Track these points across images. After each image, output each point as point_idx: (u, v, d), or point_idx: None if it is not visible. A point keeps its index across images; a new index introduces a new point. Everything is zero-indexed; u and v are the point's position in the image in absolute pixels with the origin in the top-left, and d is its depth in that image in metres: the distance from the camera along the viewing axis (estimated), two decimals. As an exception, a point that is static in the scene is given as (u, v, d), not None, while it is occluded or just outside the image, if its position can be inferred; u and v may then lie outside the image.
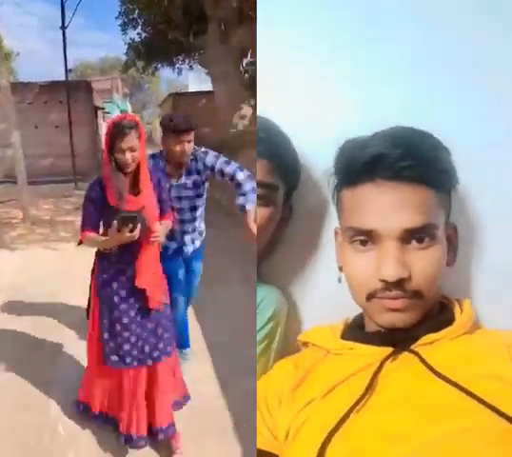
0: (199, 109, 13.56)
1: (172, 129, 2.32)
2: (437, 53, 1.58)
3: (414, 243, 1.29)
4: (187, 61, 12.79)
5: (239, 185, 2.39)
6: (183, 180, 2.45)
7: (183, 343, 2.76)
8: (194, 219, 2.56)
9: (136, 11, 10.94)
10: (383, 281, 1.27)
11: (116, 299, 2.02)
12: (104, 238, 1.92)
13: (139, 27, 11.34)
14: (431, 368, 1.22)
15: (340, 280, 1.41)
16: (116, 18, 11.64)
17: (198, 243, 2.66)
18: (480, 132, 1.55)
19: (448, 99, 1.56)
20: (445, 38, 1.58)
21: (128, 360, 2.02)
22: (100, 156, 15.74)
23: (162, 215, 2.09)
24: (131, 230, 1.80)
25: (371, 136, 1.36)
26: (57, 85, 12.66)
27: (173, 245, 2.55)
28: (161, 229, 1.97)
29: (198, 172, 2.45)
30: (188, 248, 2.60)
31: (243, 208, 2.29)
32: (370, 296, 1.32)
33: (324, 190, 1.54)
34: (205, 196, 2.57)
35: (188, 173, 2.46)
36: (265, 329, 1.51)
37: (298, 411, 1.29)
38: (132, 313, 2.02)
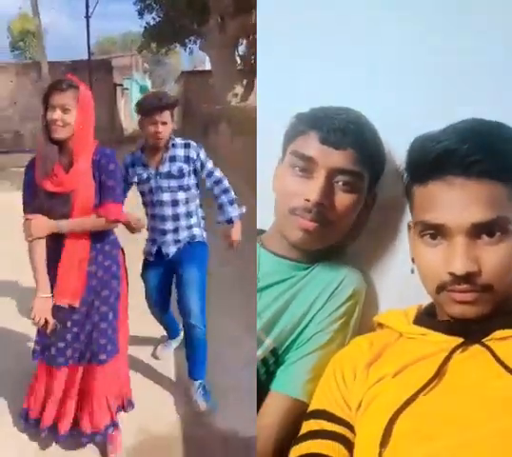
0: (208, 86, 15.36)
1: (143, 109, 2.22)
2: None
3: (485, 237, 1.31)
4: (197, 42, 14.63)
5: (226, 191, 2.34)
6: (166, 167, 2.27)
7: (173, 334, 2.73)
8: (176, 217, 2.33)
9: (151, -2, 12.80)
10: (451, 274, 1.31)
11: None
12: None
13: (154, 12, 13.22)
14: (502, 363, 1.25)
15: (413, 271, 1.48)
16: (134, 4, 13.55)
17: (182, 245, 2.37)
18: None
19: None
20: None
21: (59, 358, 1.89)
22: (118, 129, 17.79)
23: (100, 204, 1.83)
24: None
25: (441, 131, 1.39)
26: (80, 64, 14.47)
27: (153, 248, 2.39)
28: (38, 226, 1.75)
29: (187, 160, 2.29)
30: (169, 250, 2.35)
31: (231, 219, 2.32)
32: (440, 288, 1.36)
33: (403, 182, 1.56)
34: (193, 192, 2.36)
35: (172, 160, 2.28)
36: (344, 307, 1.61)
37: (370, 387, 1.37)
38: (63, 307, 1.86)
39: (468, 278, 1.30)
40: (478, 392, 1.23)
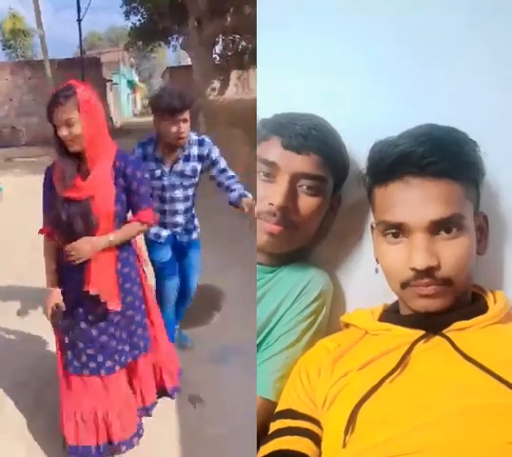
0: (191, 80, 16.55)
1: (165, 108, 2.16)
2: (465, 49, 1.59)
3: (442, 233, 1.37)
4: (180, 40, 15.85)
5: (232, 177, 2.35)
6: (180, 167, 2.28)
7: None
8: (187, 210, 2.42)
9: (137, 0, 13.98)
10: (413, 269, 1.36)
11: (71, 302, 1.83)
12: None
13: (139, 14, 14.39)
14: (460, 352, 1.30)
15: (377, 270, 1.52)
16: (120, 7, 14.71)
17: (194, 235, 2.51)
18: (509, 124, 1.55)
19: (476, 94, 1.58)
20: (469, 32, 1.59)
21: (91, 368, 1.87)
22: (108, 123, 18.96)
23: (135, 211, 1.83)
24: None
25: (398, 136, 1.45)
26: (72, 62, 15.27)
27: (165, 232, 2.41)
28: (79, 250, 1.69)
29: (200, 159, 2.31)
30: (183, 238, 2.47)
31: (241, 197, 2.19)
32: (404, 285, 1.41)
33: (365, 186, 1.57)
34: (197, 188, 2.42)
35: (186, 159, 2.29)
36: (311, 307, 1.62)
37: (335, 382, 1.40)
38: (91, 318, 1.84)
39: (429, 272, 1.36)
40: (437, 378, 1.28)
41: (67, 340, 1.89)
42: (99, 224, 1.73)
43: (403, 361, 1.35)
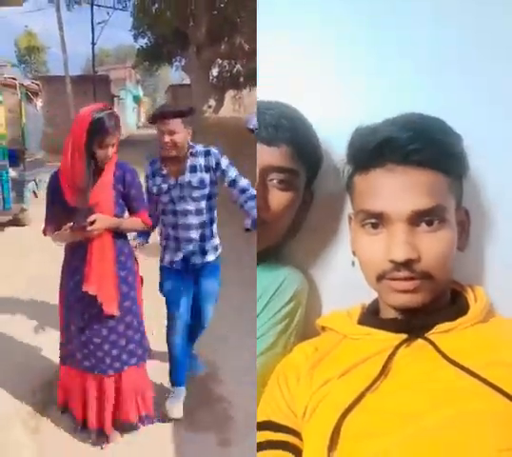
0: (191, 98, 18.05)
1: (150, 117, 2.22)
2: (449, 44, 1.57)
3: (424, 225, 1.30)
4: (182, 61, 17.50)
5: (253, 198, 2.16)
6: (187, 178, 2.21)
7: (177, 380, 2.41)
8: (201, 225, 2.28)
9: (145, 26, 15.61)
10: (392, 262, 1.30)
11: (71, 299, 1.93)
12: (56, 233, 1.83)
13: (146, 38, 16.02)
14: (444, 355, 1.26)
15: (353, 263, 1.45)
16: (129, 30, 16.33)
17: (211, 257, 2.34)
18: (492, 119, 1.52)
19: (460, 86, 1.54)
20: (457, 29, 1.57)
21: (83, 365, 1.94)
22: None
23: (132, 214, 1.98)
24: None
25: (381, 122, 1.38)
26: (84, 79, 16.73)
27: (178, 256, 2.30)
28: (100, 219, 1.80)
29: (207, 170, 2.22)
30: (196, 259, 2.30)
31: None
32: (380, 277, 1.35)
33: (344, 176, 1.50)
34: (214, 201, 2.30)
35: (193, 170, 2.22)
36: (286, 309, 1.53)
37: (315, 390, 1.33)
38: (86, 317, 1.91)
39: (408, 265, 1.29)
40: (422, 385, 1.23)
41: (65, 334, 2.03)
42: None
43: (386, 367, 1.29)
